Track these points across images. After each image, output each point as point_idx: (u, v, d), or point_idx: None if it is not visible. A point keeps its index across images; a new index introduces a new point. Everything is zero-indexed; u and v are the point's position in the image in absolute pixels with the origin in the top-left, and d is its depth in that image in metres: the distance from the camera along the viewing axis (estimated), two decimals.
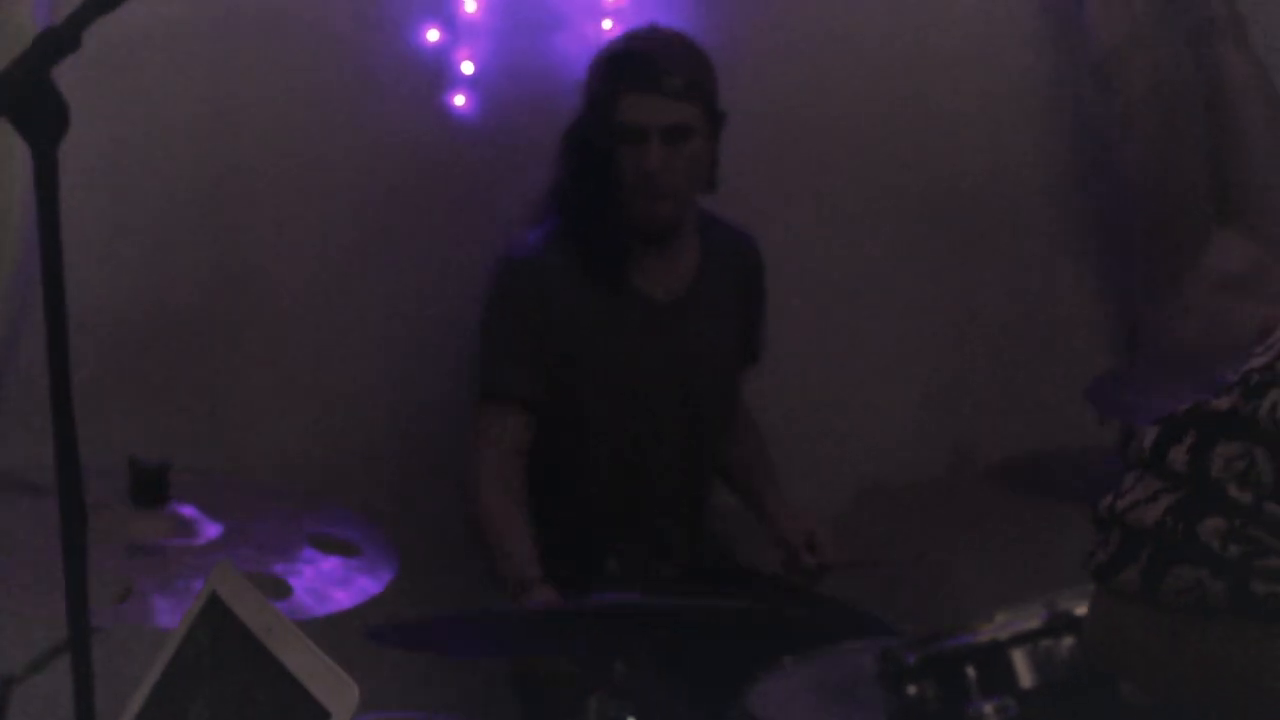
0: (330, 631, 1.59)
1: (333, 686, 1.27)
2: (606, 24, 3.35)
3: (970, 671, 2.42)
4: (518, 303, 3.07)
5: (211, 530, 2.28)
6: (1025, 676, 2.41)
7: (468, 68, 3.33)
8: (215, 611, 1.44)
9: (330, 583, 2.22)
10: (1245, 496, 1.42)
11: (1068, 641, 2.41)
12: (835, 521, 3.40)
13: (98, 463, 1.72)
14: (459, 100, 3.34)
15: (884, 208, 3.62)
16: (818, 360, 3.61)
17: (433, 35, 3.31)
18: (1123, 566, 1.45)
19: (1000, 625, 2.44)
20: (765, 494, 3.27)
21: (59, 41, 1.55)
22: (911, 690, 2.45)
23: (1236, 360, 1.52)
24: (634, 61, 3.00)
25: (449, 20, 3.32)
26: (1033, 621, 2.43)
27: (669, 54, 3.02)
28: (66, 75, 1.55)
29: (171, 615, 2.00)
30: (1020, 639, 2.42)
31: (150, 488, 2.23)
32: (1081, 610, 2.41)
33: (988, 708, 2.38)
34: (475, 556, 3.18)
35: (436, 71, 3.31)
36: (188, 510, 2.28)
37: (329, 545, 2.33)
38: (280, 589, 2.15)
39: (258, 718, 1.33)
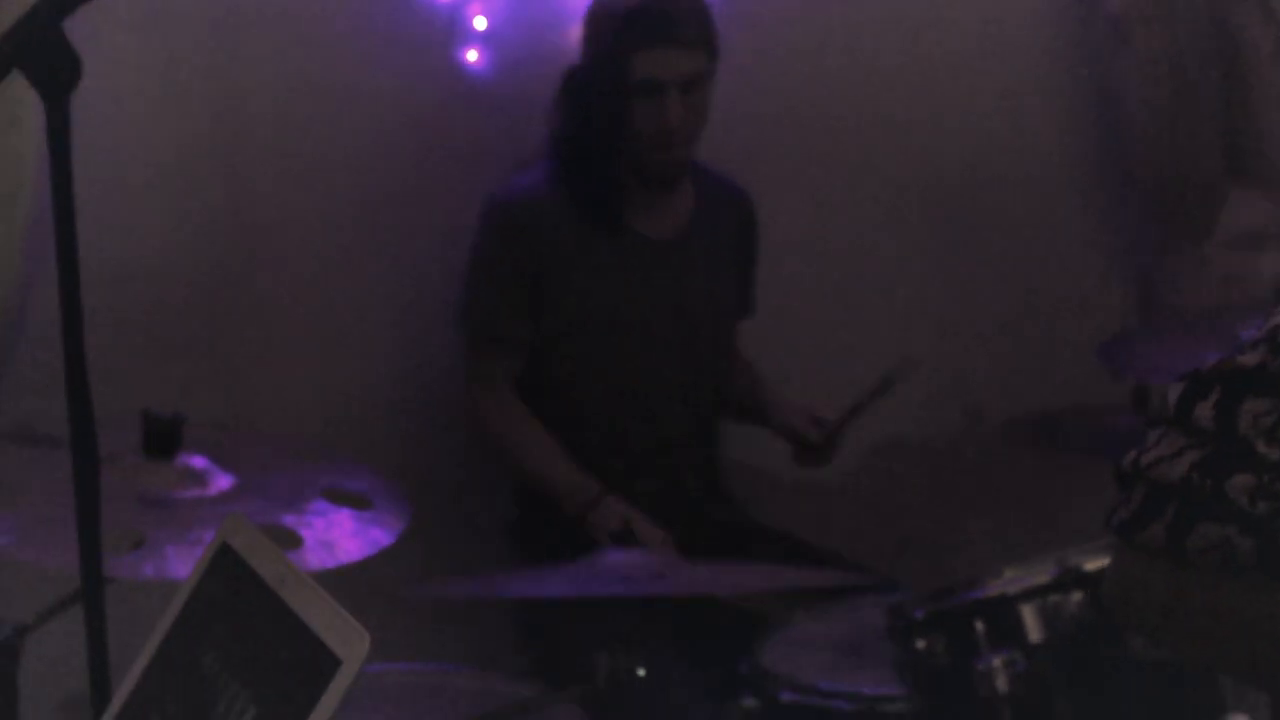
0: (340, 583, 1.59)
1: (345, 635, 1.27)
2: None
3: (979, 626, 2.43)
4: (509, 244, 3.07)
5: (223, 482, 2.30)
6: (1034, 631, 2.42)
7: (480, 23, 3.32)
8: (227, 561, 1.44)
9: (341, 535, 2.23)
10: (1273, 453, 1.42)
11: (1076, 597, 2.42)
12: (847, 480, 3.42)
13: (110, 415, 1.73)
14: (472, 56, 3.34)
15: (893, 170, 3.62)
16: (829, 321, 3.61)
17: None
18: (1147, 523, 1.45)
19: (1009, 580, 2.45)
20: (763, 395, 3.28)
21: None
22: (920, 645, 2.46)
23: (1251, 318, 1.52)
24: (649, 15, 2.98)
25: None
26: (1042, 577, 2.44)
27: (679, 3, 3.00)
28: (79, 29, 1.55)
29: (183, 566, 2.01)
30: (1029, 594, 2.43)
31: (163, 440, 2.25)
32: (1090, 566, 2.42)
33: (996, 662, 2.39)
34: (486, 508, 3.21)
35: (449, 27, 3.30)
36: (199, 462, 2.30)
37: (340, 498, 2.34)
38: (291, 540, 2.16)
39: (270, 666, 1.34)
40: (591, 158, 3.04)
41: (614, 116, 2.99)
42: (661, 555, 2.85)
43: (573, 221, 3.06)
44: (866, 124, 3.57)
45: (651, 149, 3.02)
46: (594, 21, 3.05)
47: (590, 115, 3.02)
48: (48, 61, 1.56)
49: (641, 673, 2.46)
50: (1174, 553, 1.44)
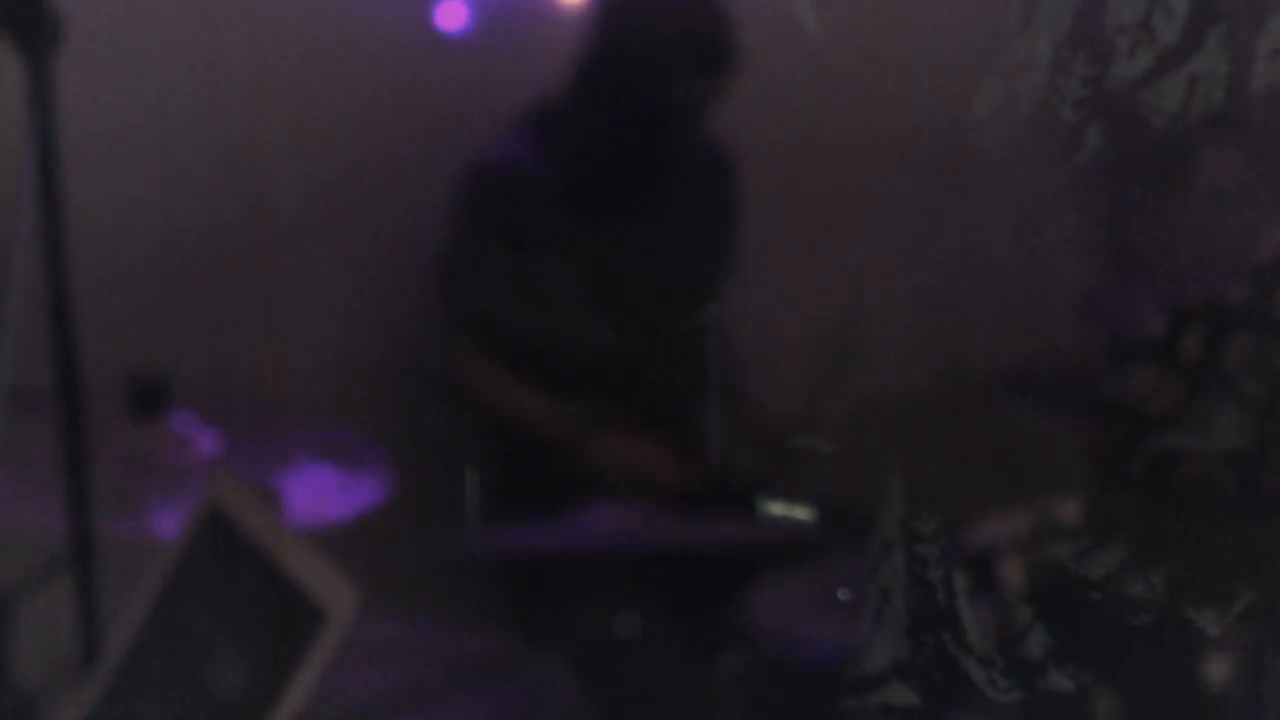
0: (327, 543, 1.60)
1: (334, 593, 1.29)
2: None
3: (960, 579, 2.45)
4: (487, 213, 3.07)
5: (210, 443, 2.30)
6: (1015, 583, 2.44)
7: None
8: (216, 521, 1.45)
9: (326, 495, 2.25)
10: (1260, 389, 1.42)
11: (1057, 547, 2.44)
12: (827, 435, 3.43)
13: (97, 376, 1.73)
14: (450, 13, 3.32)
15: (874, 125, 3.62)
16: (808, 278, 3.62)
17: None
18: (1130, 457, 1.46)
19: (990, 533, 2.47)
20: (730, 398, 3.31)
21: None
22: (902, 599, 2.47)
23: (1228, 273, 1.52)
24: (704, 49, 2.95)
25: None
26: (1022, 528, 2.45)
27: (725, 25, 2.97)
28: None
29: (172, 527, 2.02)
30: (1010, 546, 2.45)
31: (149, 401, 2.25)
32: (1071, 516, 2.44)
33: (978, 613, 2.41)
34: (471, 467, 3.22)
35: None
36: (186, 423, 2.31)
37: (326, 458, 2.35)
38: (277, 501, 2.17)
39: (260, 624, 1.35)
40: (607, 159, 3.04)
41: (647, 131, 2.98)
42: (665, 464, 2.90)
43: (555, 198, 3.06)
44: (841, 83, 3.57)
45: (677, 152, 3.03)
46: (628, 36, 3.00)
47: (618, 125, 3.00)
48: (29, 24, 1.56)
49: (628, 629, 2.47)
50: (1157, 487, 1.45)
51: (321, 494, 2.24)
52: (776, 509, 3.16)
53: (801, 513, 3.16)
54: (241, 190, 3.29)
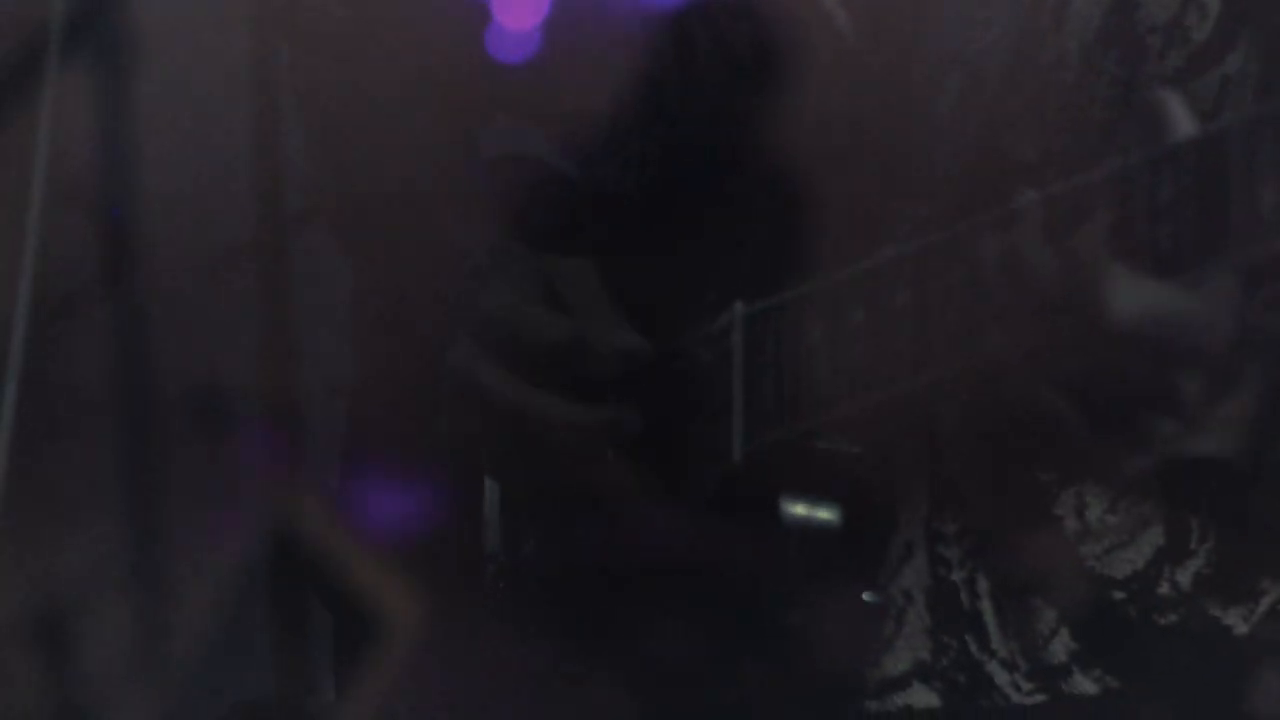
0: (393, 557, 1.65)
1: (400, 605, 1.34)
2: None
3: (984, 579, 2.48)
4: (516, 213, 3.11)
5: (268, 455, 2.35)
6: (1039, 584, 2.47)
7: None
8: (280, 536, 1.50)
9: (381, 505, 2.29)
10: None
11: (1083, 548, 2.48)
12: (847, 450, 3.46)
13: (155, 390, 1.77)
14: (504, 15, 3.35)
15: (903, 124, 3.64)
16: (835, 279, 3.64)
17: None
18: (1177, 489, 1.46)
19: (1016, 534, 2.50)
20: None
21: None
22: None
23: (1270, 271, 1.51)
24: (752, 62, 2.99)
25: None
26: (1049, 529, 2.49)
27: (777, 38, 3.01)
28: None
29: (230, 540, 2.07)
30: (1035, 547, 2.48)
31: (207, 415, 2.30)
32: (1099, 518, 2.48)
33: (1001, 615, 2.44)
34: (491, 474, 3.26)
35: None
36: (244, 436, 2.35)
37: (379, 468, 2.39)
38: (330, 512, 2.22)
39: (322, 634, 1.40)
40: (644, 163, 3.08)
41: (689, 137, 3.03)
42: None
43: (585, 198, 3.10)
44: (870, 82, 3.59)
45: (716, 157, 3.08)
46: (676, 44, 3.03)
47: (659, 131, 3.05)
48: (96, 46, 1.60)
49: (652, 634, 2.51)
50: (1188, 487, 1.45)
51: (376, 505, 2.29)
52: (800, 510, 3.19)
53: (825, 513, 3.19)
54: (281, 200, 3.34)
